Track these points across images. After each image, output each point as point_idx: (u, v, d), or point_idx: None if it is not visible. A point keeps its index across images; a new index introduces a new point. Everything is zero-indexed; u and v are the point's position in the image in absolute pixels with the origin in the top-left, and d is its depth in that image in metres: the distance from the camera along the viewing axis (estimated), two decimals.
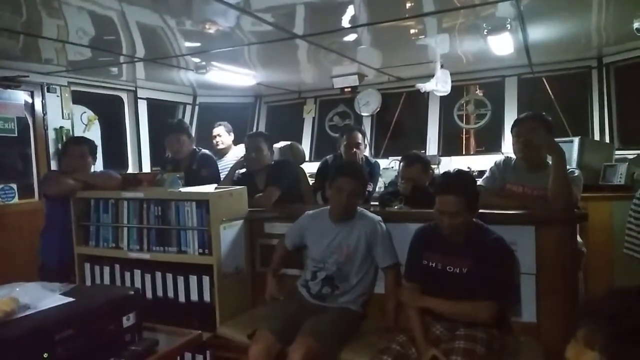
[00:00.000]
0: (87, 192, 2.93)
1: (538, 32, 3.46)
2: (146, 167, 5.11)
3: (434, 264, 2.07)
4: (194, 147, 3.67)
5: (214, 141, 4.38)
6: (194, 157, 3.60)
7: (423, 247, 2.13)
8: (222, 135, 4.39)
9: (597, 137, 4.38)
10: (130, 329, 1.38)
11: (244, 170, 3.37)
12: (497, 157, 2.82)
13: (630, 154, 3.88)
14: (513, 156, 2.65)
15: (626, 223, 2.60)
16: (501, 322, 2.01)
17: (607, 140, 4.31)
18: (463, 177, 2.11)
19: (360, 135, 3.62)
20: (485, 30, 3.17)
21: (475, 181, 2.18)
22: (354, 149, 3.55)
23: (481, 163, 4.70)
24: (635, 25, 3.18)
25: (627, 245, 2.59)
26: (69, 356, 1.20)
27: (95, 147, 3.19)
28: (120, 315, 1.34)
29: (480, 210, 2.11)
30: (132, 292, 1.45)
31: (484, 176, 2.69)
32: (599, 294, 0.84)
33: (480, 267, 1.96)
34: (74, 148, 3.08)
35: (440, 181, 2.14)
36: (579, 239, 2.54)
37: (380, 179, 4.09)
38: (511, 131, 2.60)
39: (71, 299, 1.33)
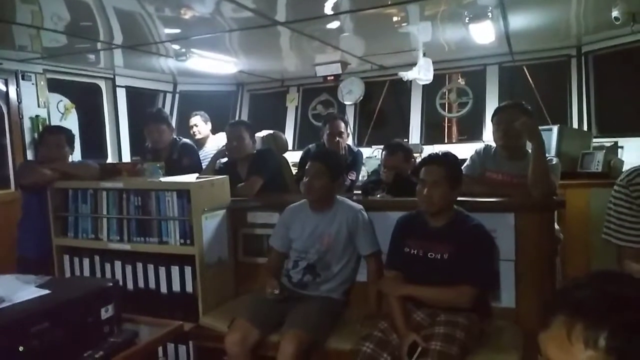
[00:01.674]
0: (64, 182, 2.86)
1: (519, 21, 3.48)
2: (126, 157, 5.02)
3: (415, 251, 2.09)
4: (174, 137, 3.62)
5: (191, 131, 4.33)
6: (174, 147, 3.56)
7: (405, 234, 2.15)
8: (199, 125, 4.34)
9: (575, 125, 4.45)
10: (109, 321, 1.35)
11: (225, 159, 3.34)
12: (478, 145, 2.85)
13: (608, 141, 3.95)
14: (494, 144, 2.68)
15: (606, 209, 2.65)
16: (481, 307, 2.04)
17: (585, 128, 4.38)
18: (448, 154, 2.16)
19: (342, 124, 3.62)
20: (467, 19, 3.18)
21: (460, 162, 2.20)
22: (337, 138, 3.55)
23: (463, 151, 4.72)
24: (614, 13, 3.21)
25: (605, 231, 2.64)
26: (45, 349, 1.17)
27: (73, 136, 3.12)
28: (98, 307, 1.32)
29: (461, 198, 2.14)
30: (111, 284, 1.43)
31: (465, 164, 2.71)
32: (577, 280, 0.77)
33: (460, 253, 1.98)
34: (51, 137, 3.01)
35: (427, 155, 2.19)
36: (556, 225, 2.58)
37: (363, 168, 4.10)
38: (491, 119, 2.62)
39: (47, 291, 1.30)
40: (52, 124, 4.14)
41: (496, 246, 2.20)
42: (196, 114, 4.37)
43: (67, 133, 3.08)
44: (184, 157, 3.50)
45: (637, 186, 1.78)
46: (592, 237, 3.18)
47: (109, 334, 1.35)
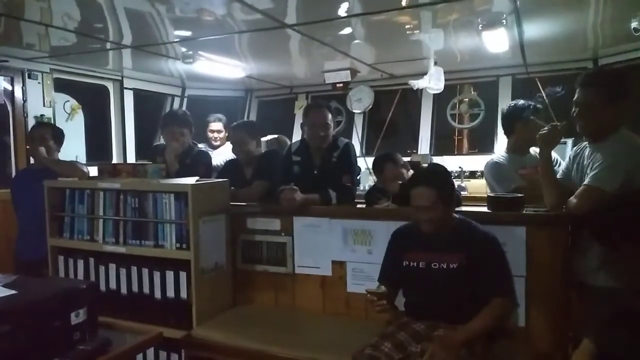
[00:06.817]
0: (62, 181, 2.82)
1: (534, 29, 3.38)
2: (131, 159, 4.97)
3: (415, 264, 1.98)
4: (191, 142, 3.52)
5: (212, 135, 4.25)
6: (189, 152, 3.39)
7: (403, 248, 2.05)
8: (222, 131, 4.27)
9: None
10: (80, 327, 1.25)
11: (233, 157, 3.26)
12: (487, 157, 2.81)
13: None
14: (496, 159, 2.72)
15: None
16: None
17: None
18: (434, 169, 2.04)
19: (328, 114, 2.89)
20: (480, 25, 3.09)
21: (449, 173, 2.06)
22: (321, 132, 2.84)
23: (473, 164, 4.62)
24: (634, 24, 3.11)
25: None
26: (5, 355, 1.08)
27: (61, 132, 3.14)
28: (67, 311, 1.21)
29: (468, 209, 2.05)
30: (84, 286, 1.33)
31: (492, 187, 2.66)
32: None
33: (473, 262, 1.88)
34: (36, 130, 3.10)
35: (413, 175, 2.07)
36: None
37: (370, 178, 4.00)
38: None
39: (12, 292, 1.20)
40: (58, 124, 4.09)
41: None
42: (218, 120, 4.29)
43: (54, 129, 3.14)
44: (196, 164, 3.34)
45: None
46: None
47: (79, 340, 1.25)
